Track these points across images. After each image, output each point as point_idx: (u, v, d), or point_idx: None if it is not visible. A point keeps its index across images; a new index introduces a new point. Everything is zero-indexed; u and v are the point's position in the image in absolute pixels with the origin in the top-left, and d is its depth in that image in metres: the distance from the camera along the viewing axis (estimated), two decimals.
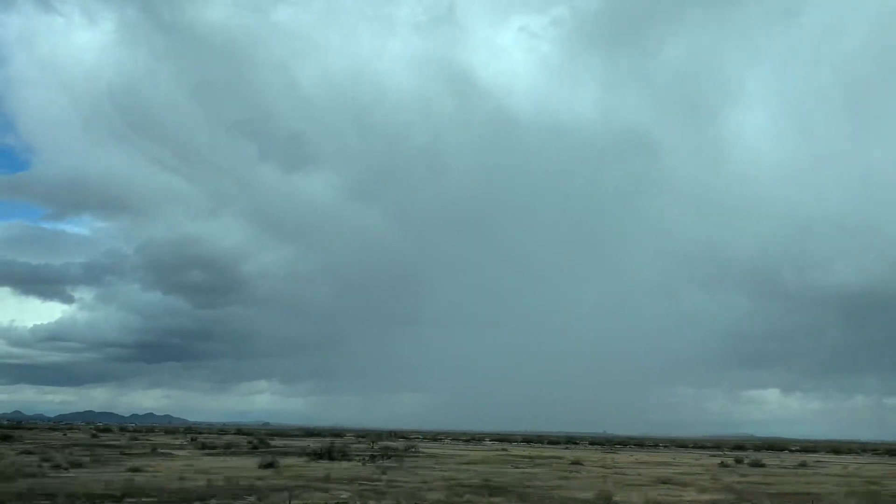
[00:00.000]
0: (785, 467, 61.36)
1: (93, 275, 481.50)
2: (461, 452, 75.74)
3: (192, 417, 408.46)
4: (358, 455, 53.09)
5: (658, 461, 67.05)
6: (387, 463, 46.31)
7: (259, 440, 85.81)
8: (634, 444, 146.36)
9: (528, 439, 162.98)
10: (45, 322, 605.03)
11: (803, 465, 67.01)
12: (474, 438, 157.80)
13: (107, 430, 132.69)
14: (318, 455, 48.51)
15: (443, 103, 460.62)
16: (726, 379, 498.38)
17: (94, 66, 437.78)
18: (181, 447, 65.84)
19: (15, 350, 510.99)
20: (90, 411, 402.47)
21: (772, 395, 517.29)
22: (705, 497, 30.58)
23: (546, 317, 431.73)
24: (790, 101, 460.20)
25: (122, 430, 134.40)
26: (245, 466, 37.59)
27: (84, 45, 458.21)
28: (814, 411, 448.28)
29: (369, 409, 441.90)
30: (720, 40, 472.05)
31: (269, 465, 36.56)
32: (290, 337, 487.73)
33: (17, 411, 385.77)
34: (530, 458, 62.03)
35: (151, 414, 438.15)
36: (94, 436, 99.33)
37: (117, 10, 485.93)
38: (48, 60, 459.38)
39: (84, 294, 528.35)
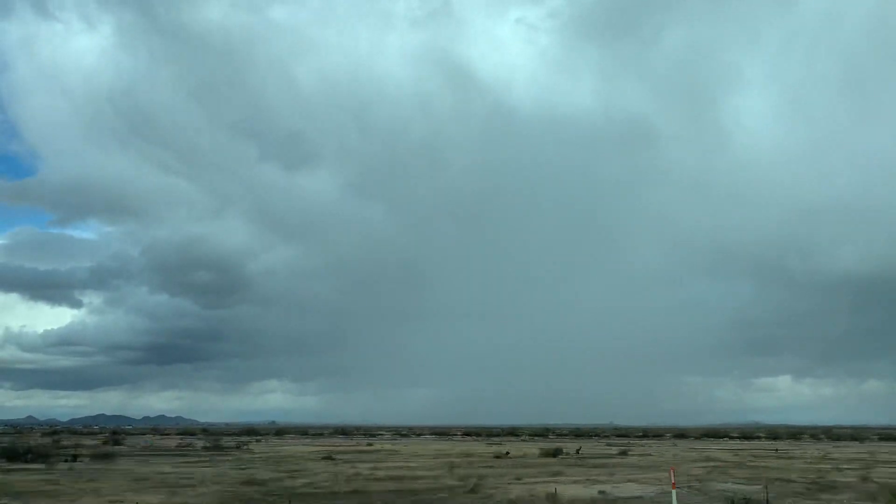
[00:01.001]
0: (591, 456, 55.85)
1: (100, 279, 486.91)
2: (291, 448, 72.26)
3: (204, 418, 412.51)
4: (68, 456, 49.33)
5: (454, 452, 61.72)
6: (64, 465, 42.87)
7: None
8: (571, 435, 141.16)
9: (474, 433, 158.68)
10: (55, 327, 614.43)
11: (624, 453, 61.33)
12: (413, 433, 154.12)
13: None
14: (8, 456, 45.28)
15: (442, 98, 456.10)
16: (736, 367, 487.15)
17: (94, 71, 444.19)
18: None
19: (26, 355, 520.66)
20: (102, 415, 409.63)
21: (783, 381, 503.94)
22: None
23: (551, 309, 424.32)
24: (790, 87, 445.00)
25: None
26: None
27: (83, 50, 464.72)
28: (826, 397, 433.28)
29: (379, 405, 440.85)
30: (718, 27, 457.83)
31: None
32: (297, 334, 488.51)
33: (29, 416, 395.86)
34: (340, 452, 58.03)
35: (163, 416, 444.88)
36: None
37: (115, 14, 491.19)
38: (49, 66, 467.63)
39: (92, 298, 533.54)
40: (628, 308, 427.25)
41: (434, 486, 29.67)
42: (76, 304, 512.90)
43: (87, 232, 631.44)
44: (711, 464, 43.26)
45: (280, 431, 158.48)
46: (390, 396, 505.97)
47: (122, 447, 73.10)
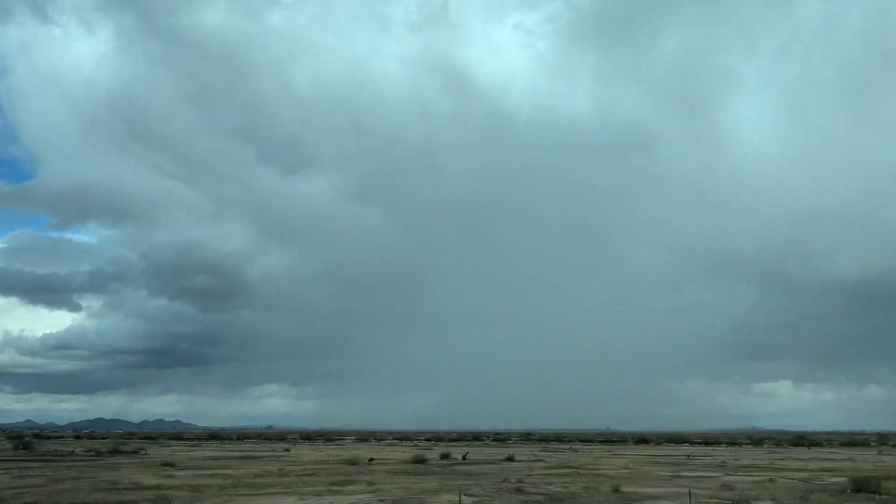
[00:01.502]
0: (475, 462, 52.38)
1: (99, 282, 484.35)
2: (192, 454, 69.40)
3: (203, 422, 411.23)
4: None
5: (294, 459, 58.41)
6: None
7: None
8: (535, 440, 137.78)
9: (436, 438, 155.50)
10: (55, 331, 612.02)
11: (511, 459, 57.74)
12: (374, 438, 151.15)
13: None
14: None
15: (439, 102, 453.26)
16: (737, 371, 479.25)
17: (93, 75, 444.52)
18: None
19: (26, 359, 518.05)
20: (101, 419, 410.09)
21: (784, 387, 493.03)
22: None
23: (550, 313, 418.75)
24: (787, 92, 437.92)
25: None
26: None
27: (83, 54, 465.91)
28: (827, 402, 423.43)
29: (378, 409, 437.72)
30: (715, 32, 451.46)
31: None
32: (296, 339, 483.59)
33: (28, 420, 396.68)
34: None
35: (162, 420, 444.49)
36: None
37: (114, 19, 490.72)
38: (48, 71, 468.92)
39: (91, 302, 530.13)
40: (628, 312, 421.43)
41: (151, 496, 26.64)
42: (75, 308, 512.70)
43: (86, 236, 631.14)
44: (556, 472, 39.83)
45: (242, 436, 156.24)
46: (389, 401, 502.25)
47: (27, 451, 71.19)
